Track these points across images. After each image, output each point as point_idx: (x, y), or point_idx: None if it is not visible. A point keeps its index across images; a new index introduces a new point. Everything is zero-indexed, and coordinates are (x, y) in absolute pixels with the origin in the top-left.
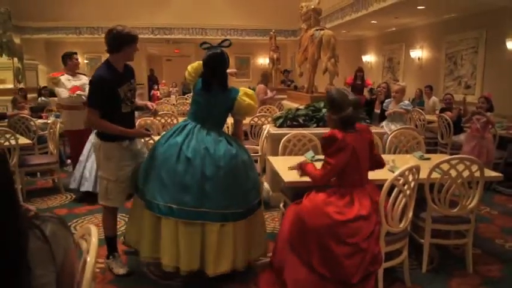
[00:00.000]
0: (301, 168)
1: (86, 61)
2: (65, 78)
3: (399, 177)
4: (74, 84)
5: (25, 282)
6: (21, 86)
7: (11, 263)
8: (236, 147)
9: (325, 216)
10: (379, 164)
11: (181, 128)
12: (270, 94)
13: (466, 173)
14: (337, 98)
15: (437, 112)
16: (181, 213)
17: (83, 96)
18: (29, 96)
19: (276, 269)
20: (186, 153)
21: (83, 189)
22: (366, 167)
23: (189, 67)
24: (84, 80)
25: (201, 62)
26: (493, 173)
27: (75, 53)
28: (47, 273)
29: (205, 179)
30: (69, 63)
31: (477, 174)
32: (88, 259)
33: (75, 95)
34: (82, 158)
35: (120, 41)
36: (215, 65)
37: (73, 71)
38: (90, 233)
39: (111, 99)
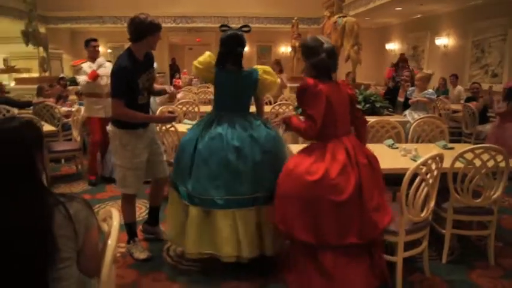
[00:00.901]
0: (286, 122)
1: (109, 50)
2: (87, 65)
3: (422, 166)
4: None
5: (50, 255)
6: (62, 75)
7: (40, 234)
8: (272, 129)
9: (296, 179)
10: (361, 121)
11: (217, 119)
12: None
13: (490, 163)
14: (310, 43)
15: (462, 101)
16: (239, 202)
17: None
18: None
19: None
20: (232, 143)
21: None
22: (344, 121)
23: (195, 62)
24: (108, 66)
25: (209, 53)
26: None
27: (94, 40)
28: (68, 249)
29: (256, 165)
30: (87, 50)
31: (502, 164)
32: (109, 242)
33: (93, 81)
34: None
35: (143, 30)
36: (234, 44)
37: (93, 58)
38: (112, 216)
39: (130, 90)
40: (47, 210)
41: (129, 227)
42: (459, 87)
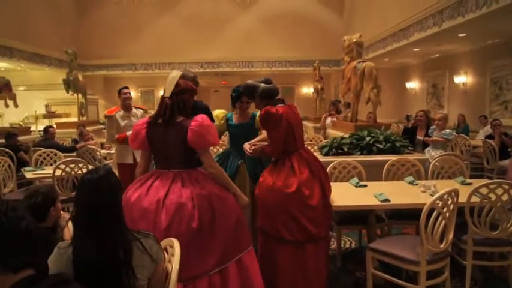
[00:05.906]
0: (260, 151)
1: (139, 94)
2: (119, 115)
3: (438, 201)
4: (126, 123)
5: (130, 282)
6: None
7: (122, 265)
8: None
9: (277, 193)
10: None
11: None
12: (328, 120)
13: (505, 197)
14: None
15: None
16: None
17: None
18: (90, 128)
19: None
20: None
21: None
22: (300, 136)
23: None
24: (138, 116)
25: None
26: None
27: (125, 88)
28: (143, 277)
29: None
30: (119, 98)
31: None
32: (173, 265)
33: (119, 143)
34: None
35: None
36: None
37: (125, 105)
38: (173, 244)
39: None
40: (127, 245)
41: None
42: (488, 127)
